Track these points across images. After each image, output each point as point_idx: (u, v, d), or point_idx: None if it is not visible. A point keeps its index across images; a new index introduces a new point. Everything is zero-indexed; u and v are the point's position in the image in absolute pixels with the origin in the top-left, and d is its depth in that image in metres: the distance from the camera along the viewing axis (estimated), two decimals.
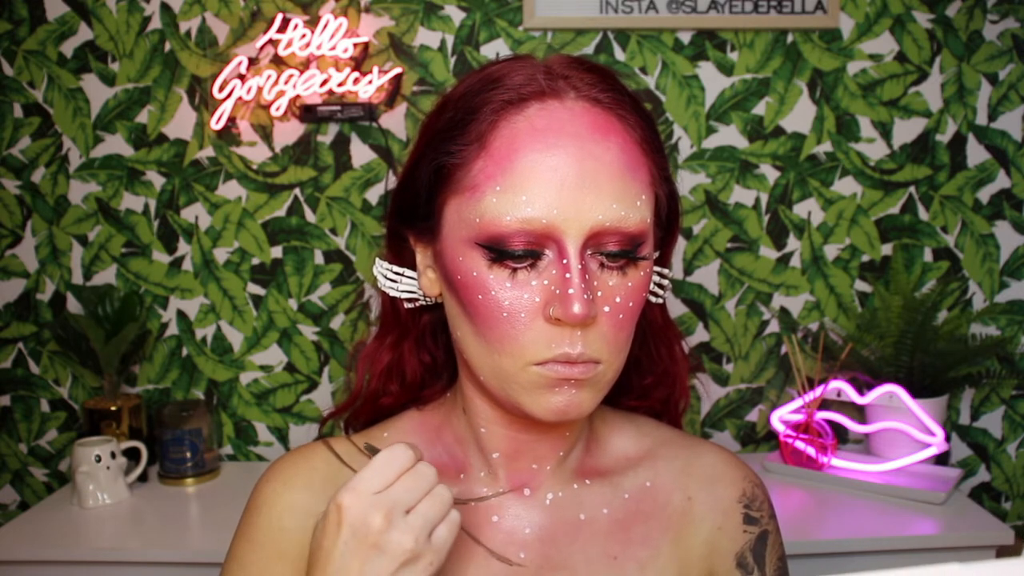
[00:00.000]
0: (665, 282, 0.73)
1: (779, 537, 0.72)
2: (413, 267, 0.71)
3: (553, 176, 0.58)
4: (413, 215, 0.67)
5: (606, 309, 0.60)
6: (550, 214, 0.58)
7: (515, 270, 0.59)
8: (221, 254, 1.76)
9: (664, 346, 0.76)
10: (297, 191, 1.74)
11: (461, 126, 0.62)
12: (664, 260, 0.74)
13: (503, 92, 0.61)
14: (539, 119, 0.60)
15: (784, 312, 1.79)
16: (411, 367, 0.75)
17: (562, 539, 0.68)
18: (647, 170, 0.63)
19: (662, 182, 0.65)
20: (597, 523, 0.69)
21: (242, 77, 1.69)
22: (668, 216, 0.70)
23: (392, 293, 0.72)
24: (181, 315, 1.77)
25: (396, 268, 0.72)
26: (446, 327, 0.70)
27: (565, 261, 0.58)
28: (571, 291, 0.57)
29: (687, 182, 1.75)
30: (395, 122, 1.72)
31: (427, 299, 0.71)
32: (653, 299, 0.73)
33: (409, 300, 0.73)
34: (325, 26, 1.67)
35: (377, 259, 0.73)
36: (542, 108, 0.60)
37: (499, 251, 0.59)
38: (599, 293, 0.60)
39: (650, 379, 0.77)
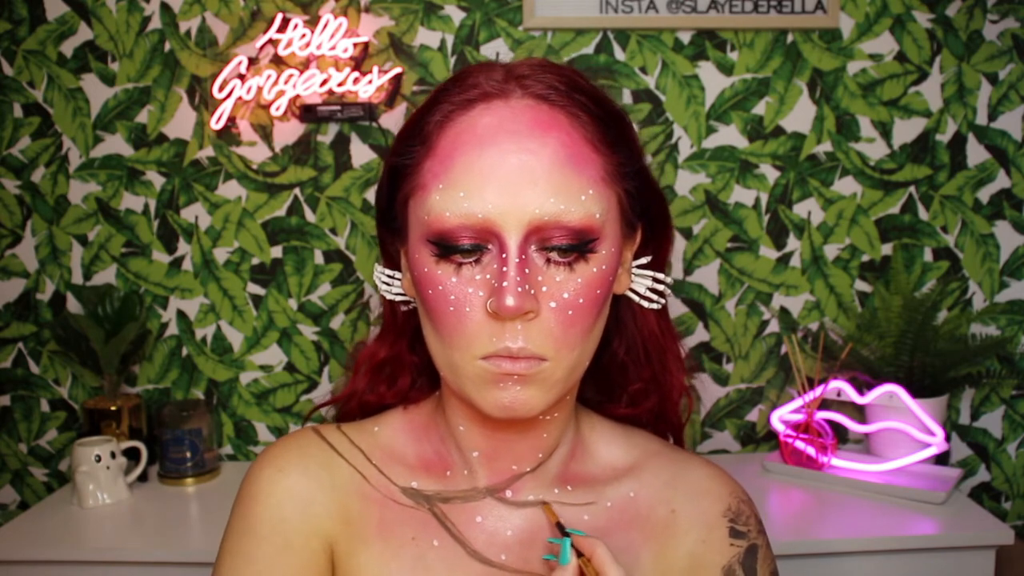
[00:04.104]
0: (661, 287, 0.72)
1: (770, 552, 0.72)
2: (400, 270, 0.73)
3: (490, 172, 0.60)
4: (391, 218, 0.69)
5: (552, 305, 0.60)
6: (486, 208, 0.59)
7: (460, 265, 0.61)
8: (221, 254, 1.76)
9: (656, 353, 0.75)
10: (297, 191, 1.74)
11: (414, 131, 0.65)
12: (659, 264, 0.73)
13: (453, 96, 0.64)
14: (481, 119, 0.62)
15: (784, 312, 1.79)
16: (405, 368, 0.76)
17: (542, 543, 0.68)
18: (598, 166, 0.63)
19: (623, 179, 0.65)
20: (577, 529, 0.69)
21: (242, 77, 1.69)
22: (650, 216, 0.70)
23: (388, 296, 0.74)
24: (181, 315, 1.77)
25: (389, 271, 0.74)
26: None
27: (504, 255, 0.59)
28: (505, 284, 0.58)
29: (687, 182, 1.75)
30: (395, 122, 1.72)
31: (415, 300, 0.72)
32: (647, 304, 0.72)
33: (404, 303, 0.74)
34: (325, 26, 1.67)
35: (376, 264, 0.75)
36: (487, 108, 0.62)
37: (444, 246, 0.61)
38: (544, 288, 0.60)
39: (639, 385, 0.76)
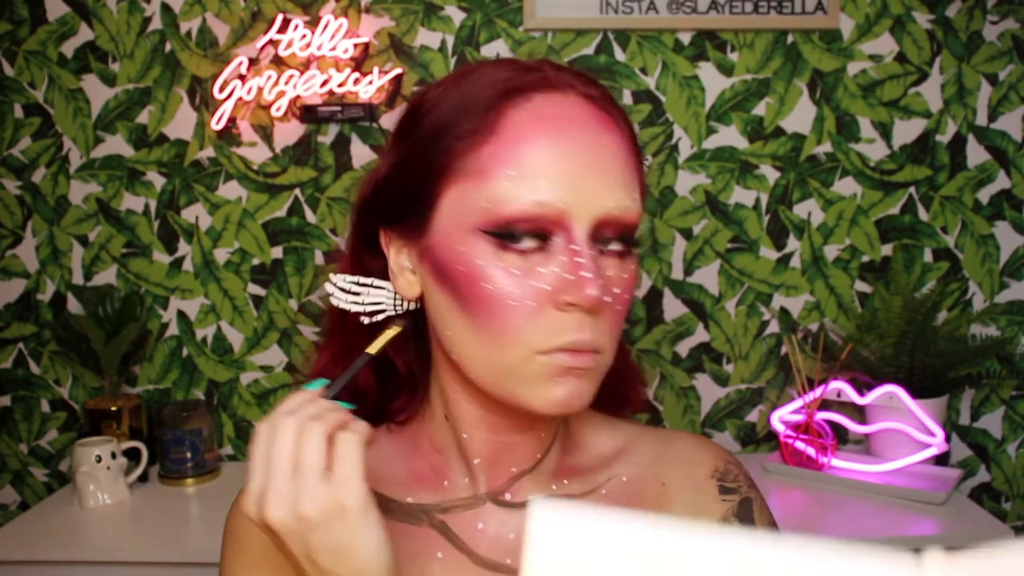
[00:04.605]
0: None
1: (766, 506, 0.72)
2: (380, 276, 0.69)
3: (566, 161, 0.59)
4: (403, 212, 0.65)
5: (607, 299, 0.59)
6: (563, 198, 0.58)
7: (521, 254, 0.59)
8: (221, 254, 1.76)
9: (622, 351, 0.75)
10: (297, 191, 1.74)
11: (464, 114, 0.61)
12: None
13: (505, 81, 0.61)
14: (545, 108, 0.60)
15: (784, 312, 1.79)
16: (364, 381, 0.72)
17: None
18: (639, 170, 0.65)
19: (642, 184, 0.67)
20: None
21: (242, 77, 1.69)
22: None
23: (354, 308, 0.69)
24: (181, 315, 1.77)
25: (363, 279, 0.69)
26: (411, 337, 0.69)
27: (574, 247, 0.58)
28: (584, 274, 0.57)
29: (687, 182, 1.75)
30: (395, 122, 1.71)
31: (397, 307, 0.68)
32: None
33: (373, 313, 0.69)
34: (325, 27, 1.67)
35: (332, 274, 0.70)
36: (547, 98, 0.61)
37: (508, 236, 0.58)
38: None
39: (636, 385, 0.77)
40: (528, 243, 0.59)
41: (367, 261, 0.69)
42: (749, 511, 0.70)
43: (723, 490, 0.70)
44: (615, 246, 0.61)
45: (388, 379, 0.73)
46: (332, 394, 0.60)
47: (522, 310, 0.58)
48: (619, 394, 0.77)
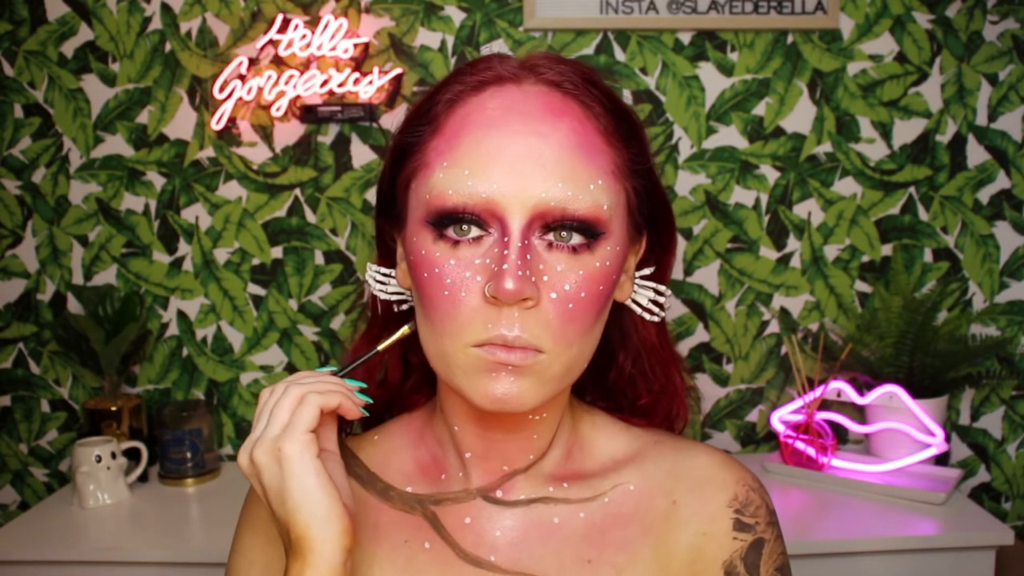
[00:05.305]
0: (662, 300, 0.71)
1: (779, 546, 0.68)
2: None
3: (496, 152, 0.58)
4: (391, 205, 0.68)
5: (552, 296, 0.58)
6: (491, 189, 0.58)
7: (457, 245, 0.59)
8: (221, 254, 1.76)
9: (659, 366, 0.73)
10: (297, 191, 1.74)
11: (423, 111, 0.64)
12: (662, 276, 0.72)
13: (466, 78, 0.63)
14: (492, 100, 0.61)
15: (784, 312, 1.79)
16: (392, 365, 0.74)
17: (534, 542, 0.67)
18: (609, 159, 0.62)
19: (633, 176, 0.64)
20: (571, 527, 0.68)
21: (242, 77, 1.69)
22: (655, 223, 0.69)
23: (382, 296, 0.71)
24: (181, 315, 1.77)
25: (384, 270, 0.72)
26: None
27: (506, 238, 0.58)
28: (505, 267, 0.56)
29: (687, 183, 1.75)
30: (395, 123, 1.71)
31: (410, 295, 0.70)
32: (648, 316, 0.71)
33: (399, 302, 0.72)
34: (325, 27, 1.67)
35: (369, 263, 0.73)
36: (499, 91, 0.61)
37: (443, 226, 0.59)
38: (545, 278, 0.58)
39: (647, 399, 0.74)
40: (464, 231, 0.59)
41: (391, 252, 0.72)
42: (757, 556, 0.67)
43: (738, 525, 0.67)
44: (576, 239, 0.59)
45: (413, 373, 0.76)
46: (339, 376, 0.64)
47: (456, 300, 0.59)
48: (652, 410, 0.75)
